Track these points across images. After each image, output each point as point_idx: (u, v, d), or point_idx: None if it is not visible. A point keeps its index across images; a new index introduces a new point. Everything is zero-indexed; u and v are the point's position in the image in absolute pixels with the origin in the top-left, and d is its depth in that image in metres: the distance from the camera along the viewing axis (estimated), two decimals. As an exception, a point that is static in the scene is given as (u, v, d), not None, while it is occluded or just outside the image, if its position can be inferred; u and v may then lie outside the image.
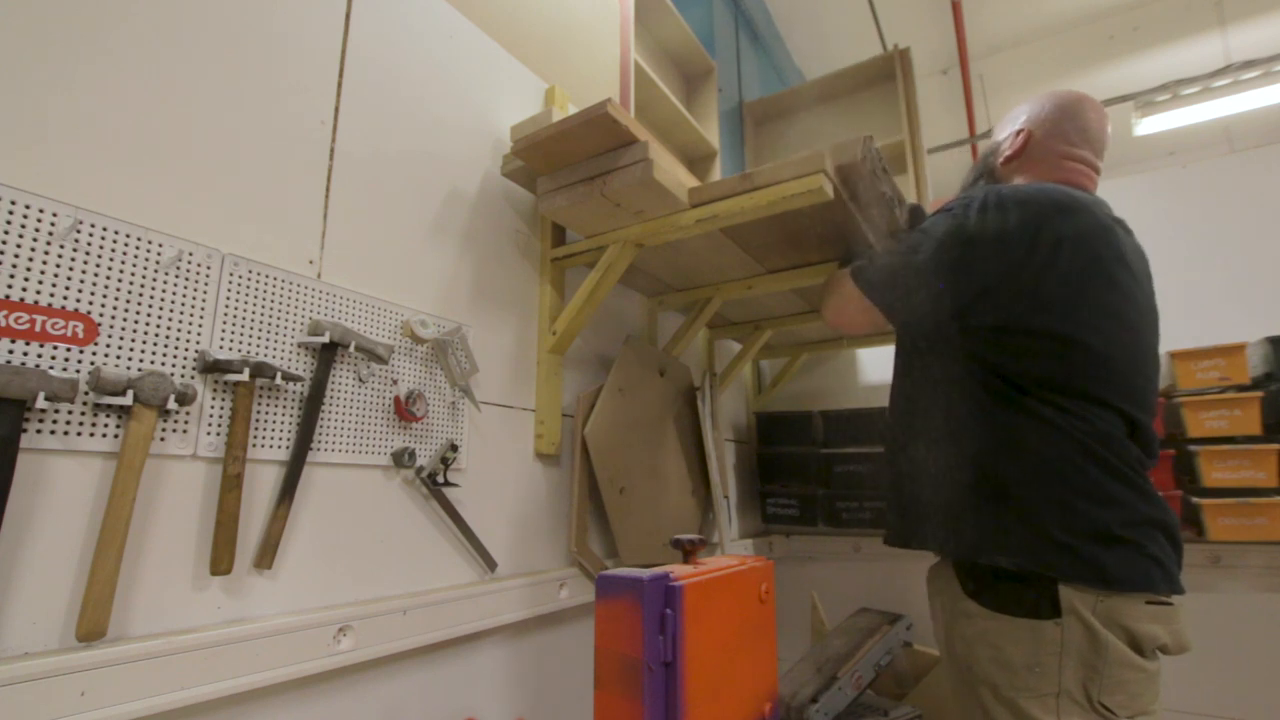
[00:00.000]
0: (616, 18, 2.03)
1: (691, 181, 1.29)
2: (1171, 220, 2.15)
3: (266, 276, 0.94)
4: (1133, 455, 0.97)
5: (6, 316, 0.68)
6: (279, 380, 0.90)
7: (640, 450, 1.63)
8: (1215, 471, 1.72)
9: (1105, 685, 0.88)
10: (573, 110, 1.39)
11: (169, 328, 0.82)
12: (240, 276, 0.90)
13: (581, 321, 1.41)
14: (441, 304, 1.22)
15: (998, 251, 1.00)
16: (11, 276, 0.70)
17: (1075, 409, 0.96)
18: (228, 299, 0.89)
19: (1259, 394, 1.70)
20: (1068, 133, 1.15)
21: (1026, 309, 0.98)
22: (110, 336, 0.77)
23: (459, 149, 1.32)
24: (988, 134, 4.66)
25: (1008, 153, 1.19)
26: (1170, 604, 0.93)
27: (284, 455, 0.92)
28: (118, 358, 0.77)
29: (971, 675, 0.98)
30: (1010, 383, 1.00)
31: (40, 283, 0.72)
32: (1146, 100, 4.01)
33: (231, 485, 0.84)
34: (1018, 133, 1.19)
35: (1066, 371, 0.97)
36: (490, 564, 1.21)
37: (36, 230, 0.72)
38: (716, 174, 2.58)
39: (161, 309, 0.82)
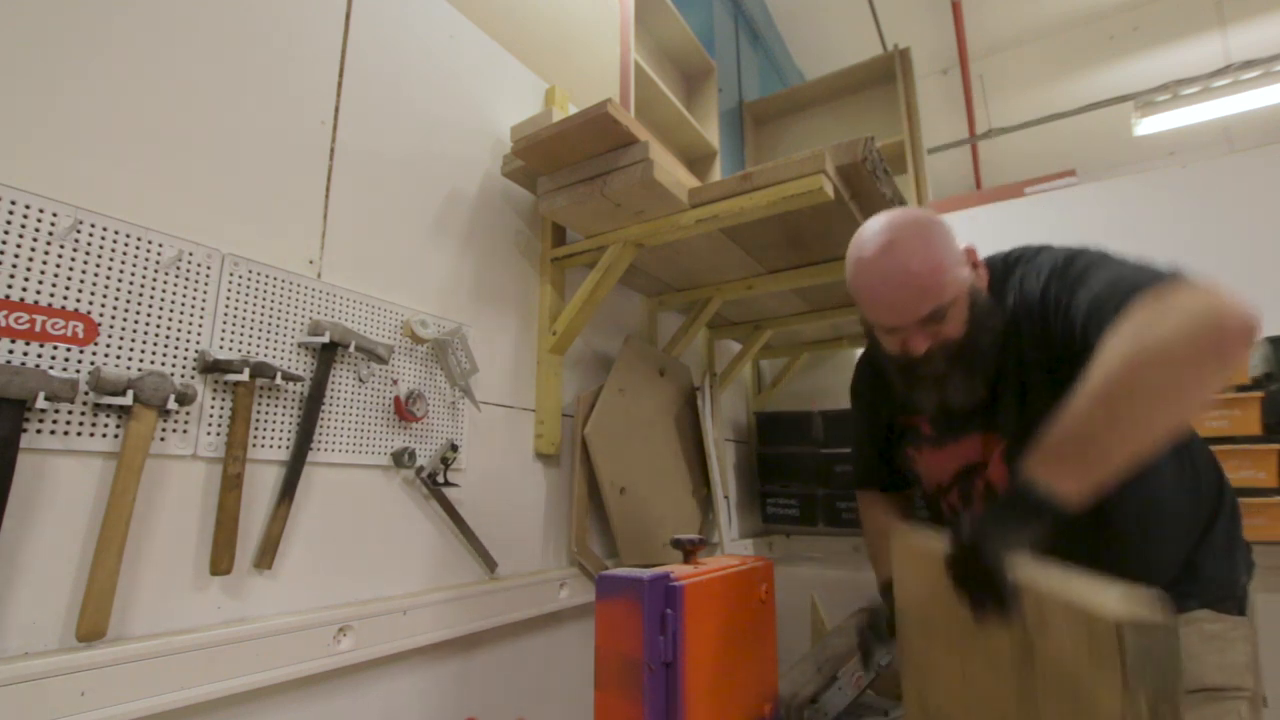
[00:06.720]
0: (616, 18, 2.02)
1: (691, 181, 1.29)
2: (1172, 220, 2.15)
3: (266, 276, 0.94)
4: None
5: (6, 316, 0.68)
6: (279, 380, 0.90)
7: (640, 450, 1.63)
8: (1215, 471, 1.72)
9: (1259, 675, 0.87)
10: (573, 110, 1.39)
11: (169, 328, 0.82)
12: (240, 276, 0.90)
13: (581, 321, 1.41)
14: (441, 304, 1.22)
15: None
16: (11, 276, 0.70)
17: None
18: (228, 299, 0.89)
19: (1259, 394, 1.69)
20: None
21: None
22: (110, 336, 0.77)
23: (459, 149, 1.32)
24: (988, 134, 4.66)
25: (983, 271, 0.96)
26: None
27: (284, 455, 0.92)
28: (118, 358, 0.77)
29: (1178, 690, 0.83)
30: None
31: (40, 283, 0.72)
32: (1146, 100, 4.01)
33: (231, 485, 0.84)
34: (967, 251, 0.94)
35: None
36: (490, 564, 1.21)
37: (36, 230, 0.72)
38: (716, 174, 2.58)
39: (161, 309, 0.82)
